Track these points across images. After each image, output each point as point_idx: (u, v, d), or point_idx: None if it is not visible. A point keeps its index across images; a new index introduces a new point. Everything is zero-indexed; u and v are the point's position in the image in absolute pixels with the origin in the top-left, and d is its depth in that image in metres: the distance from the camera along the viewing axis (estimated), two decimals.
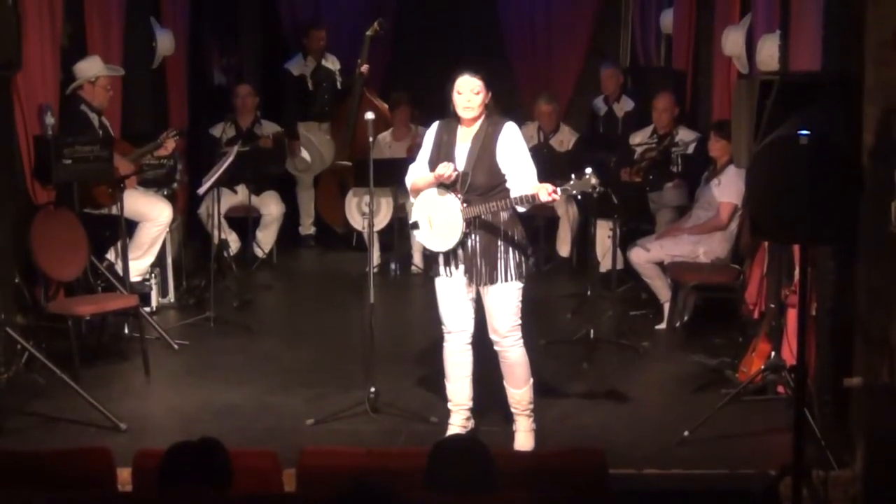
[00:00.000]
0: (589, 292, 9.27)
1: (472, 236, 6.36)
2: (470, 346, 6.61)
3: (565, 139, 11.34)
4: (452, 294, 6.52)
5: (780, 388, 7.07)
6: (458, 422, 6.66)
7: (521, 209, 6.25)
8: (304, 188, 12.14)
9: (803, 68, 6.82)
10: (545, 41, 13.08)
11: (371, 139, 7.17)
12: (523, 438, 6.59)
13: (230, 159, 9.07)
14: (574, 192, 6.02)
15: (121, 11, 9.71)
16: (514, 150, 6.34)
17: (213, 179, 9.09)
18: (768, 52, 7.80)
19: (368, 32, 11.37)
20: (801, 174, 5.12)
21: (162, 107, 10.69)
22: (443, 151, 6.47)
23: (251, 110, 11.19)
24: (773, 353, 7.03)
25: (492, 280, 6.37)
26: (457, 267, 6.44)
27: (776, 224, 5.34)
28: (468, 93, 6.34)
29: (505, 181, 6.33)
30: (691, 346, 8.45)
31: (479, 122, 6.40)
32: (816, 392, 6.43)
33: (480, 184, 6.32)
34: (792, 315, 6.88)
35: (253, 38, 13.35)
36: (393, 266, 10.99)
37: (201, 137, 11.03)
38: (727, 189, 8.71)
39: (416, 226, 6.53)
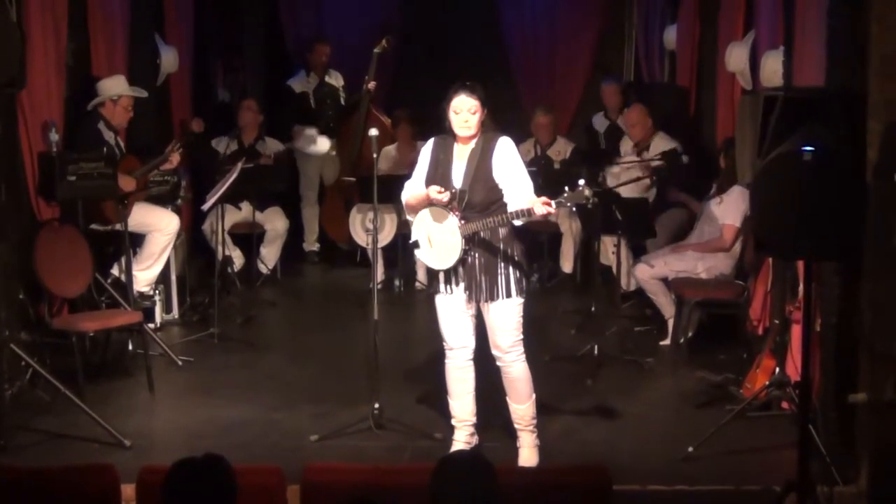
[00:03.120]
0: (593, 308, 9.26)
1: (472, 253, 6.36)
2: (472, 363, 6.61)
3: (562, 150, 11.35)
4: (453, 311, 6.52)
5: (785, 404, 7.06)
6: (462, 438, 6.66)
7: (517, 223, 6.25)
8: (308, 204, 12.14)
9: (807, 84, 6.82)
10: (548, 58, 13.10)
11: (375, 155, 7.19)
12: (527, 454, 6.58)
13: (234, 176, 9.08)
14: (568, 204, 6.05)
15: (125, 29, 9.73)
16: (509, 165, 6.35)
17: (216, 196, 9.10)
18: (772, 68, 7.82)
19: (376, 49, 11.38)
20: (805, 190, 5.12)
21: (166, 123, 10.70)
22: (440, 170, 6.48)
23: (256, 127, 11.21)
24: (777, 369, 7.03)
25: (492, 297, 6.38)
26: (457, 284, 6.45)
27: (780, 240, 5.34)
28: (465, 112, 6.34)
29: (502, 197, 6.34)
30: (695, 362, 8.45)
31: (476, 139, 6.42)
32: (821, 408, 6.43)
33: (478, 201, 6.34)
34: (796, 331, 6.89)
35: (257, 55, 13.38)
36: (397, 282, 10.99)
37: (203, 149, 11.03)
38: (729, 210, 8.72)
39: (416, 245, 6.53)
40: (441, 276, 6.48)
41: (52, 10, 8.22)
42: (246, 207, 10.83)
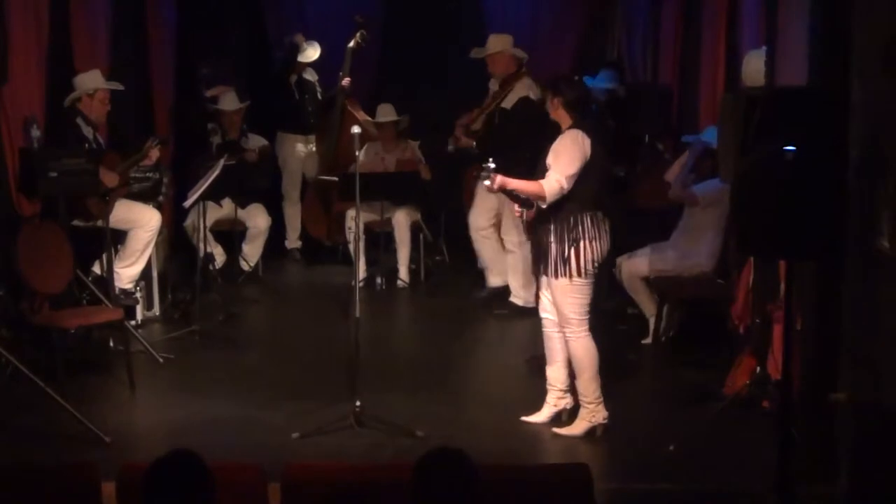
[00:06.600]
0: None
1: (537, 230, 6.94)
2: (556, 333, 7.10)
3: None
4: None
5: (766, 403, 7.07)
6: (552, 401, 7.20)
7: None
8: (290, 202, 12.10)
9: (789, 83, 6.83)
10: (531, 54, 13.04)
11: (357, 153, 7.20)
12: (577, 424, 7.01)
13: (216, 173, 9.06)
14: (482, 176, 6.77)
15: (107, 24, 9.71)
16: (551, 153, 6.84)
17: (198, 193, 9.09)
18: (754, 67, 7.81)
19: (351, 45, 11.34)
20: (786, 190, 5.15)
21: (147, 119, 10.67)
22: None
23: (239, 123, 11.17)
24: (758, 368, 7.04)
25: (542, 274, 6.98)
26: None
27: (761, 240, 5.36)
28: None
29: None
30: (677, 360, 8.46)
31: (564, 129, 6.95)
32: (801, 407, 6.43)
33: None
34: (777, 330, 6.90)
35: (239, 50, 13.30)
36: (379, 280, 10.97)
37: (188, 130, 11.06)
38: (700, 186, 8.75)
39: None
40: None
41: (34, 5, 8.20)
42: (228, 204, 10.77)
